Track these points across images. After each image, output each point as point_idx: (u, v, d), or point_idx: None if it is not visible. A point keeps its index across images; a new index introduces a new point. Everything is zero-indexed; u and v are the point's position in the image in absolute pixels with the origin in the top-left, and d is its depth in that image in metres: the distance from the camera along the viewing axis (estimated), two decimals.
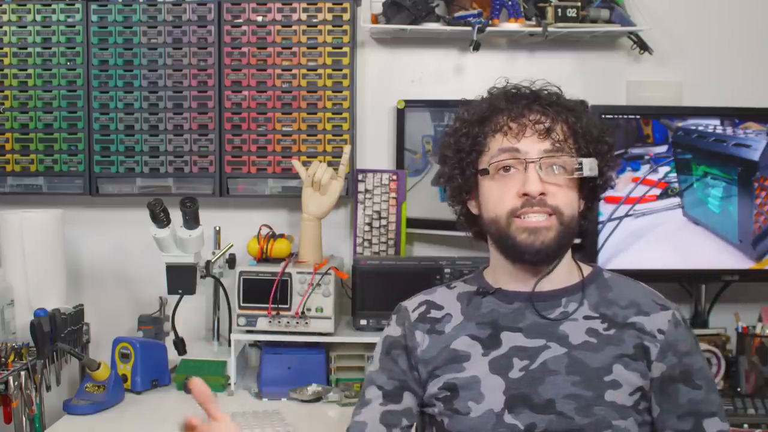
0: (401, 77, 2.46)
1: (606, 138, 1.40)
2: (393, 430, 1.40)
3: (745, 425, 1.97)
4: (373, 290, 2.14)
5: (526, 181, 1.32)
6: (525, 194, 1.32)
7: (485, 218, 1.39)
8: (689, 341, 1.36)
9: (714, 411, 1.34)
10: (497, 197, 1.36)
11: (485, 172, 1.37)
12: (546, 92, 1.41)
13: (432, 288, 1.51)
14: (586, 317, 1.37)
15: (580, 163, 1.34)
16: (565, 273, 1.41)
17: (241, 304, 2.12)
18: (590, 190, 1.41)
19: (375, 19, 2.35)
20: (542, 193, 1.32)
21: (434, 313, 1.44)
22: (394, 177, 2.33)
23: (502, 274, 1.42)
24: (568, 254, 1.42)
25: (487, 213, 1.38)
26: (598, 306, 1.38)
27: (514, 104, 1.37)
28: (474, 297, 1.43)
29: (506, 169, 1.35)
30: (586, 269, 1.44)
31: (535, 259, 1.35)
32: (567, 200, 1.34)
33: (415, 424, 1.44)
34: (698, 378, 1.34)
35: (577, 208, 1.38)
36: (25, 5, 2.35)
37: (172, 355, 2.23)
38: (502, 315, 1.39)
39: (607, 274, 1.45)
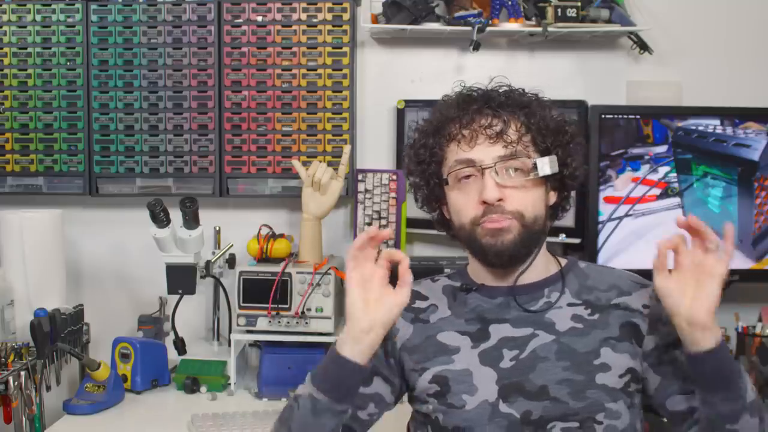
0: (401, 77, 2.46)
1: (565, 128, 1.40)
2: (358, 412, 1.39)
3: None
4: None
5: (483, 188, 1.33)
6: (484, 202, 1.33)
7: (455, 225, 1.41)
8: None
9: None
10: (460, 206, 1.37)
11: (446, 182, 1.39)
12: (497, 92, 1.40)
13: (417, 280, 1.50)
14: (570, 304, 1.38)
15: (535, 164, 1.35)
16: (543, 265, 1.42)
17: (241, 304, 2.12)
18: (558, 182, 1.40)
19: (375, 19, 2.35)
20: (500, 199, 1.33)
21: (419, 303, 1.45)
22: (394, 177, 2.33)
23: (482, 272, 1.43)
24: (543, 248, 1.42)
25: (455, 221, 1.40)
26: (580, 293, 1.40)
27: (465, 110, 1.37)
28: (459, 293, 1.44)
29: (466, 176, 1.36)
30: (562, 260, 1.46)
31: (499, 261, 1.36)
32: (528, 201, 1.35)
33: (384, 413, 1.43)
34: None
35: (545, 204, 1.38)
36: (25, 5, 2.35)
37: (172, 355, 2.23)
38: (487, 309, 1.40)
39: (582, 263, 1.47)
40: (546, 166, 1.34)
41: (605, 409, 1.30)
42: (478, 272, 1.44)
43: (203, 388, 2.13)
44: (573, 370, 1.32)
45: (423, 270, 2.12)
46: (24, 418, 1.89)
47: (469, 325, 1.39)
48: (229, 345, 2.16)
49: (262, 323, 2.11)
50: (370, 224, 2.33)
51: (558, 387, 1.31)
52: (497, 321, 1.38)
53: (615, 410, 1.31)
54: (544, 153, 1.36)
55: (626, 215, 2.25)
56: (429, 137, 1.41)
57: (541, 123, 1.37)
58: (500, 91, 1.40)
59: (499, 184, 1.33)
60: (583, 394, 1.31)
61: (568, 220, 2.22)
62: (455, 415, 1.34)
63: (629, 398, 1.34)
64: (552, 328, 1.36)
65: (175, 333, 2.22)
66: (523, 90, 1.42)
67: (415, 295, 1.46)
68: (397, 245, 2.32)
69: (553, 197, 1.41)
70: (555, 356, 1.33)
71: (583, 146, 1.45)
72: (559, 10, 2.26)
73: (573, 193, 1.46)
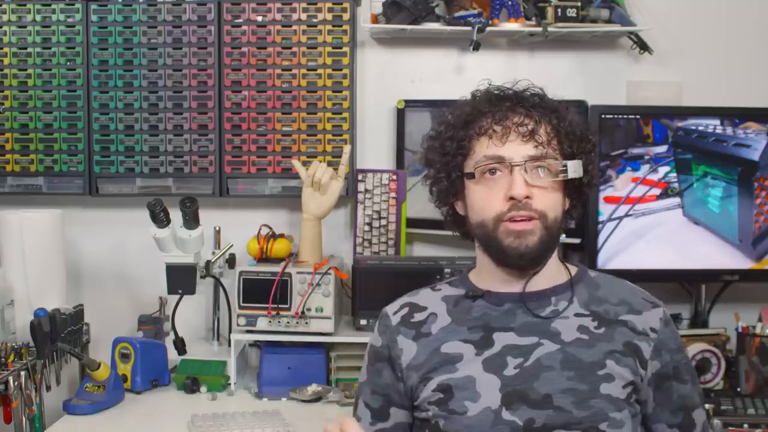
0: (401, 77, 2.46)
1: (589, 137, 1.41)
2: None
3: (745, 425, 1.97)
4: (373, 290, 2.14)
5: (511, 185, 1.33)
6: (511, 198, 1.33)
7: (472, 221, 1.40)
8: (677, 338, 1.41)
9: (698, 402, 1.41)
10: (484, 201, 1.36)
11: (471, 176, 1.37)
12: (529, 93, 1.41)
13: (415, 290, 1.50)
14: (577, 315, 1.38)
15: (565, 166, 1.35)
16: (553, 272, 1.42)
17: (241, 304, 2.12)
18: (575, 188, 1.41)
19: (375, 19, 2.35)
20: (528, 197, 1.33)
21: (417, 316, 1.43)
22: (394, 177, 2.33)
23: (491, 276, 1.42)
24: (555, 254, 1.42)
25: (474, 216, 1.39)
26: (589, 303, 1.39)
27: (498, 107, 1.37)
28: (463, 300, 1.43)
29: (492, 172, 1.35)
30: (573, 269, 1.45)
31: (520, 263, 1.36)
32: (552, 203, 1.35)
33: None
34: (685, 373, 1.40)
35: (562, 209, 1.39)
36: (25, 5, 2.35)
37: (172, 355, 2.23)
38: (493, 318, 1.39)
39: (593, 273, 1.47)
40: (575, 168, 1.36)
41: (609, 419, 1.30)
42: (483, 277, 1.43)
43: (203, 388, 2.13)
44: (577, 379, 1.31)
45: (423, 270, 2.13)
46: (24, 418, 1.89)
47: (473, 333, 1.38)
48: (229, 345, 2.16)
49: (262, 323, 2.11)
50: (369, 224, 2.33)
51: (562, 396, 1.30)
52: (502, 329, 1.37)
53: (619, 419, 1.31)
54: (569, 157, 1.37)
55: (626, 215, 2.25)
56: (458, 129, 1.40)
57: (569, 128, 1.38)
58: (530, 92, 1.41)
59: (527, 183, 1.33)
60: (587, 404, 1.30)
61: None
62: (456, 421, 1.33)
63: (633, 408, 1.34)
64: (557, 338, 1.35)
65: (175, 333, 2.22)
66: (545, 94, 1.43)
67: (413, 308, 1.45)
68: (397, 246, 2.32)
69: (566, 204, 1.41)
70: (560, 366, 1.32)
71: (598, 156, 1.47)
72: (559, 10, 2.26)
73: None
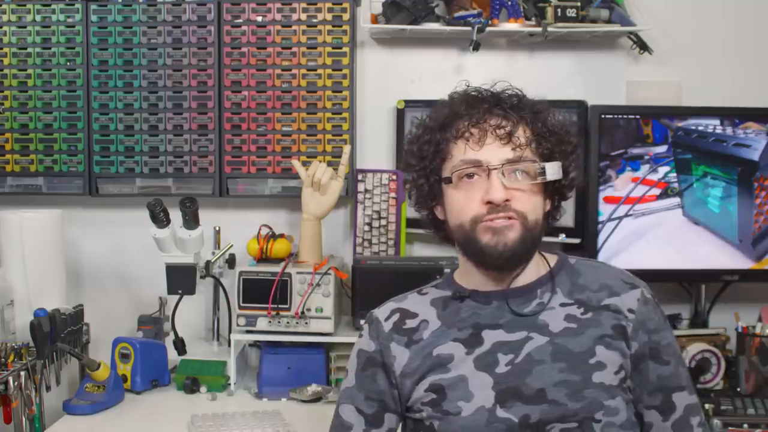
0: (401, 77, 2.46)
1: (570, 138, 1.40)
2: None
3: (745, 425, 1.97)
4: (373, 290, 2.13)
5: (489, 188, 1.32)
6: (489, 202, 1.32)
7: (451, 225, 1.39)
8: (657, 318, 1.38)
9: (682, 385, 1.38)
10: (461, 205, 1.35)
11: (448, 180, 1.37)
12: (507, 94, 1.39)
13: (402, 294, 1.49)
14: (562, 304, 1.38)
15: (543, 168, 1.34)
16: (535, 266, 1.41)
17: (241, 304, 2.12)
18: (556, 190, 1.40)
19: (375, 19, 2.35)
20: (507, 200, 1.32)
21: (409, 323, 1.42)
22: (394, 177, 2.33)
23: (475, 277, 1.41)
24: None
25: (453, 220, 1.38)
26: (572, 292, 1.39)
27: (475, 109, 1.36)
28: (451, 302, 1.42)
29: (469, 176, 1.35)
30: (552, 258, 1.44)
31: (498, 262, 1.35)
32: (531, 205, 1.34)
33: None
34: (666, 354, 1.37)
35: (542, 211, 1.38)
36: (25, 5, 2.35)
37: (172, 355, 2.23)
38: (482, 316, 1.39)
39: (573, 259, 1.46)
40: (554, 171, 1.35)
41: (604, 407, 1.30)
42: (468, 278, 1.43)
43: (203, 388, 2.13)
44: (569, 371, 1.31)
45: (423, 270, 2.13)
46: (24, 418, 1.89)
47: (463, 333, 1.38)
48: (229, 345, 2.16)
49: (262, 323, 2.11)
50: (369, 224, 2.33)
51: (555, 389, 1.30)
52: (490, 326, 1.37)
53: (613, 407, 1.30)
54: (547, 159, 1.36)
55: (626, 215, 2.25)
56: (435, 133, 1.39)
57: (549, 130, 1.37)
58: (508, 93, 1.40)
59: (505, 186, 1.32)
60: (581, 394, 1.30)
61: (568, 220, 2.23)
62: (452, 422, 1.32)
63: (626, 394, 1.34)
64: (546, 330, 1.35)
65: (175, 333, 2.22)
66: (524, 95, 1.41)
67: (404, 315, 1.44)
68: (397, 246, 2.32)
69: (547, 205, 1.41)
70: (550, 358, 1.32)
71: (581, 157, 1.45)
72: (559, 10, 2.26)
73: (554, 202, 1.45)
